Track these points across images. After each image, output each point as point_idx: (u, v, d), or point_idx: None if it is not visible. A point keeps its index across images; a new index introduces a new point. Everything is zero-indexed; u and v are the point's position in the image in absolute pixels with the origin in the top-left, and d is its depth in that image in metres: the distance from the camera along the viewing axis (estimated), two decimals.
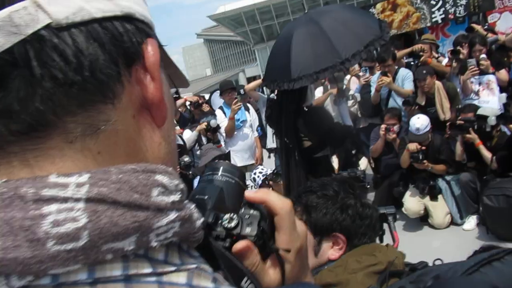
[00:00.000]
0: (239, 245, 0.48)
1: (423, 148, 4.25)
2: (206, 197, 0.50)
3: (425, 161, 4.26)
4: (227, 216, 0.48)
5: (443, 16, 8.47)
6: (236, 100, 4.99)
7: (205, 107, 5.67)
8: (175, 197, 0.39)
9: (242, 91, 5.32)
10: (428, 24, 8.68)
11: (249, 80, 23.70)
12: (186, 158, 4.68)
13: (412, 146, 4.26)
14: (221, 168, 0.54)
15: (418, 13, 8.74)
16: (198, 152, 5.06)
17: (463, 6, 8.23)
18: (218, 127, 5.03)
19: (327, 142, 3.44)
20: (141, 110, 0.41)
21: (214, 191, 0.51)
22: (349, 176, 2.81)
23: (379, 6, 8.93)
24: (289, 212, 0.52)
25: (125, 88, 0.39)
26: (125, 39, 0.39)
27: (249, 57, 43.17)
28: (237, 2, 24.14)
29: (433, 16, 8.61)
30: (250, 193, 0.52)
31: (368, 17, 3.77)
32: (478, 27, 5.57)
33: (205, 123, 5.01)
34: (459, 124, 4.10)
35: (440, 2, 8.43)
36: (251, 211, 0.50)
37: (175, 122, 4.84)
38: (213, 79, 40.55)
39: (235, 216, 0.48)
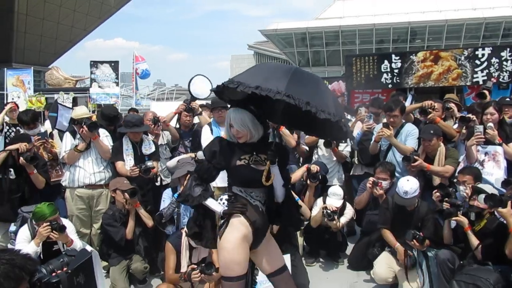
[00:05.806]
0: None
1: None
2: None
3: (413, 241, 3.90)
4: None
5: (485, 78, 8.03)
6: None
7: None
8: None
9: None
10: (468, 83, 8.24)
11: None
12: (149, 163, 4.60)
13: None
14: None
15: (459, 70, 8.33)
16: None
17: (508, 72, 7.80)
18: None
19: None
20: None
21: None
22: None
23: (420, 55, 8.60)
24: None
25: None
26: None
27: None
28: (291, 22, 24.20)
29: (475, 76, 8.19)
30: None
31: None
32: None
33: (193, 154, 4.86)
34: (444, 209, 3.75)
35: (485, 64, 8.03)
36: None
37: None
38: None
39: None
